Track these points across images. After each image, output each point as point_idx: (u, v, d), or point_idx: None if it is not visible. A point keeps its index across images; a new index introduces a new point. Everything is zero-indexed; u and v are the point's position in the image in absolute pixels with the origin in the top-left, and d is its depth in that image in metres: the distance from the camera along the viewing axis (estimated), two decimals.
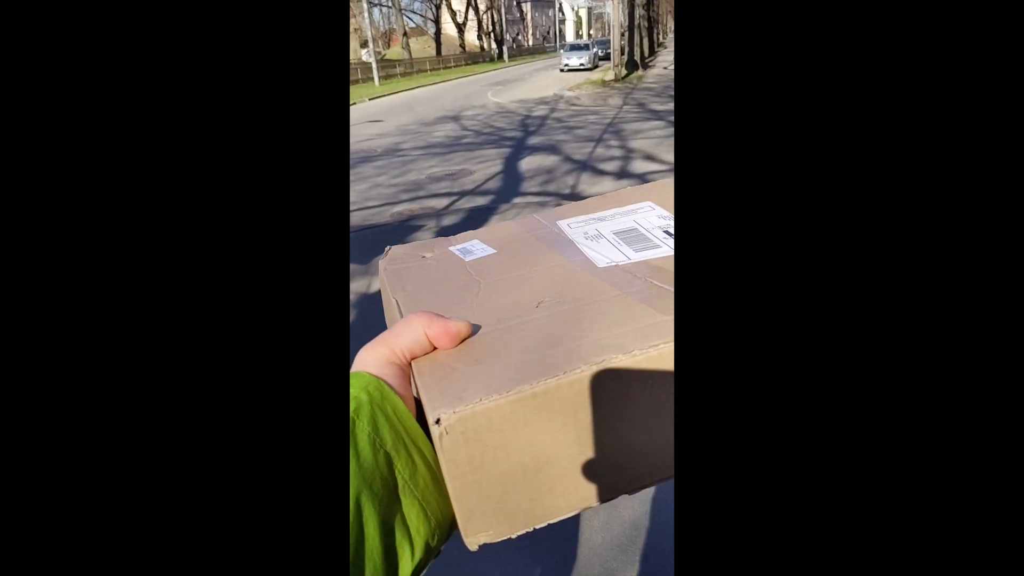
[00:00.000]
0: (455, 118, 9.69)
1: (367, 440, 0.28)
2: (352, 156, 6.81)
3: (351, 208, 4.65)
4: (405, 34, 28.79)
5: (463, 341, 0.33)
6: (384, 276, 0.46)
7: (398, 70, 22.81)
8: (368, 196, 4.98)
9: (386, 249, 0.52)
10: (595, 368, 0.29)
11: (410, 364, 0.32)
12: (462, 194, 4.88)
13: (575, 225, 0.50)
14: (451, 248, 0.50)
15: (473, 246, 0.50)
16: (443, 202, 4.65)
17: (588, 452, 0.30)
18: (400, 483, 0.29)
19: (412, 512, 0.29)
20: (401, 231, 3.89)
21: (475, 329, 0.35)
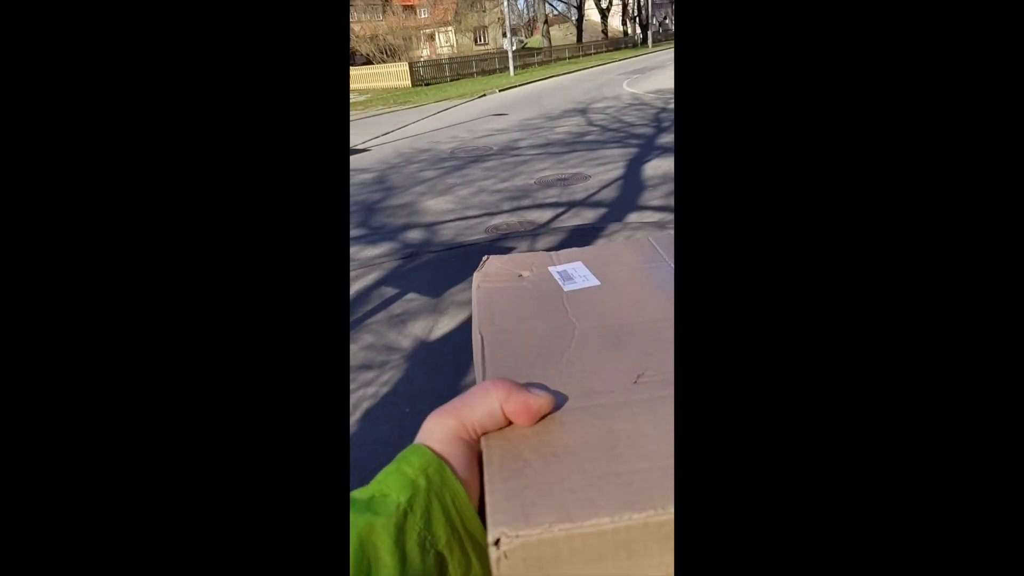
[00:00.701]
0: (583, 111, 9.03)
1: (416, 540, 0.26)
2: (466, 155, 6.46)
3: (448, 219, 4.25)
4: (546, 21, 28.36)
5: (544, 418, 0.30)
6: (475, 295, 0.43)
7: (536, 59, 22.46)
8: (469, 204, 4.54)
9: (484, 259, 0.49)
10: None
11: (480, 439, 0.29)
12: (570, 205, 4.27)
13: None
14: (551, 269, 0.45)
15: (575, 270, 0.45)
16: (547, 215, 4.09)
17: None
18: None
19: None
20: (493, 251, 3.39)
21: (559, 400, 0.30)
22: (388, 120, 10.08)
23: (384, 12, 25.70)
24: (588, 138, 6.79)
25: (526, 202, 4.46)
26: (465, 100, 12.23)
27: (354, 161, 6.74)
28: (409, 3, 27.05)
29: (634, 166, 5.26)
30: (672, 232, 0.48)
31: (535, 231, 3.73)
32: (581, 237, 3.52)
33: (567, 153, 6.04)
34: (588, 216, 3.99)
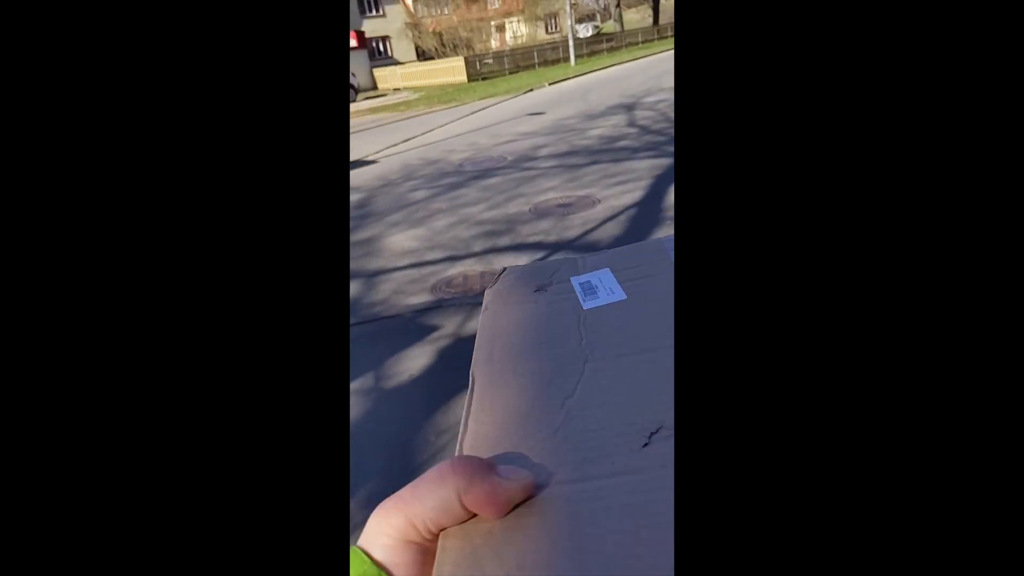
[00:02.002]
0: (630, 107, 7.83)
1: None
2: (474, 168, 5.55)
3: (401, 264, 3.36)
4: (618, 5, 26.69)
5: (517, 507, 0.24)
6: (482, 320, 0.37)
7: (605, 45, 21.03)
8: (437, 242, 3.64)
9: (501, 271, 0.43)
10: None
11: (438, 537, 0.24)
12: (555, 247, 3.26)
13: None
14: (573, 280, 0.39)
15: (601, 281, 0.38)
16: (520, 261, 3.11)
17: None
18: None
19: None
20: (409, 332, 2.47)
21: (541, 479, 0.24)
22: (418, 123, 9.32)
23: (450, 6, 25.09)
24: (620, 144, 5.66)
25: (504, 240, 3.49)
26: (510, 96, 11.27)
27: (352, 177, 6.01)
28: None
29: (658, 187, 4.13)
30: None
31: (480, 296, 2.76)
32: None
33: (587, 165, 4.98)
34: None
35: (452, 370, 2.12)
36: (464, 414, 0.29)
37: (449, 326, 2.45)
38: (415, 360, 2.21)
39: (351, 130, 9.73)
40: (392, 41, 24.35)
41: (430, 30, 23.75)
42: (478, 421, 0.28)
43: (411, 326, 2.51)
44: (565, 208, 3.94)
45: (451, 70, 17.23)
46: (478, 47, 23.47)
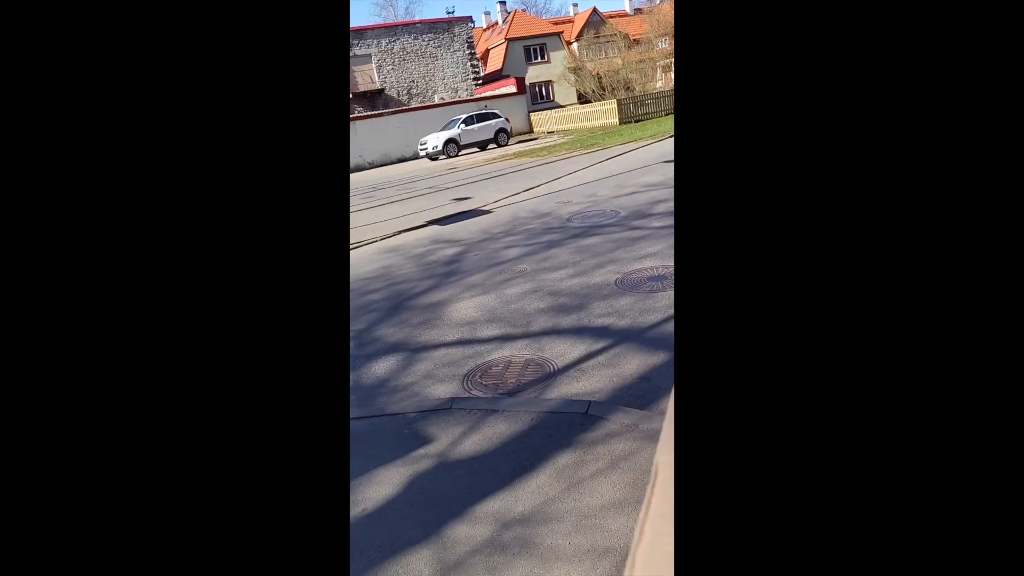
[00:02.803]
0: None
1: None
2: (581, 223, 5.12)
3: (448, 340, 3.04)
4: None
5: None
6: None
7: None
8: (498, 315, 3.26)
9: None
10: None
11: None
12: (621, 337, 2.70)
13: None
14: None
15: None
16: (576, 351, 2.61)
17: None
18: None
19: None
20: (399, 440, 2.09)
21: None
22: (551, 170, 9.11)
23: (614, 48, 25.05)
24: None
25: (569, 319, 3.00)
26: (654, 140, 10.65)
27: (460, 228, 5.90)
28: (636, 36, 26.00)
29: None
30: None
31: (501, 398, 2.29)
32: (558, 428, 1.99)
33: None
34: (625, 371, 2.40)
35: (413, 512, 1.69)
36: (643, 509, 0.29)
37: (443, 440, 2.03)
38: (381, 487, 1.83)
39: (488, 175, 9.84)
40: (555, 85, 24.91)
41: (592, 73, 23.86)
42: (656, 529, 0.29)
43: (405, 432, 2.13)
44: (656, 282, 3.34)
45: (604, 113, 16.98)
46: (639, 88, 22.98)
